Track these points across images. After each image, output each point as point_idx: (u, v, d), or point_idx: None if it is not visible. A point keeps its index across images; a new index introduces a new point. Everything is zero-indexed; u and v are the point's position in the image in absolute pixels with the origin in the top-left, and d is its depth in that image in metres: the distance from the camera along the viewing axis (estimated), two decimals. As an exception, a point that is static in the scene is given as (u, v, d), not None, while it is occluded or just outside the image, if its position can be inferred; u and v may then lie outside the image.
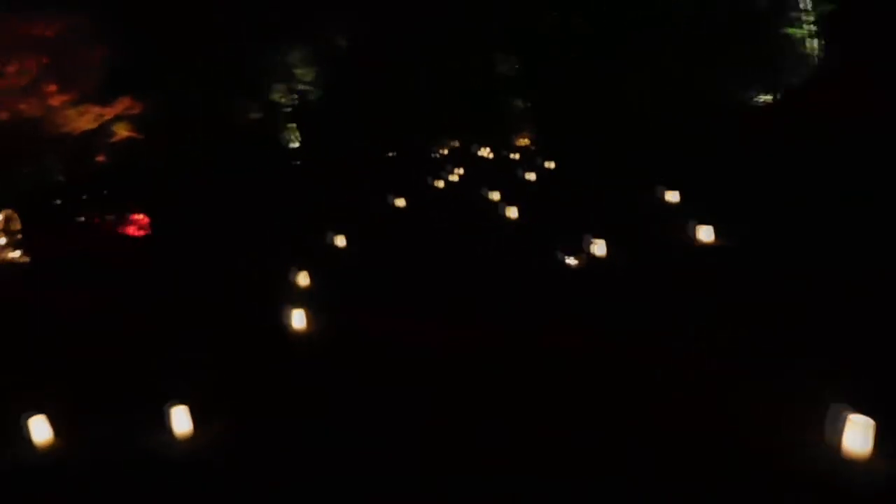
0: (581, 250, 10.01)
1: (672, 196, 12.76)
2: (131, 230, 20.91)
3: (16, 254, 17.88)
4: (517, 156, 24.17)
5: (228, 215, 18.31)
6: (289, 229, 15.09)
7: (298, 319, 8.63)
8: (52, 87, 19.84)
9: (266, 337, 8.51)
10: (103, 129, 20.88)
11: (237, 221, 17.42)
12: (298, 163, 25.50)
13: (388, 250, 12.40)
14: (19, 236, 18.31)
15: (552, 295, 8.89)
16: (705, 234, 10.12)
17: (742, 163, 13.80)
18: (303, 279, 10.46)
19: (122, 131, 21.52)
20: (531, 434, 5.67)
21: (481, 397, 6.42)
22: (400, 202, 17.05)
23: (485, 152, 26.21)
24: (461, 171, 21.65)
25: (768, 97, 20.74)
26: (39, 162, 19.82)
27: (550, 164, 19.99)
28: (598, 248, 10.02)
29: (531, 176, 18.37)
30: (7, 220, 18.49)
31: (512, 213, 13.76)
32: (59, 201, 20.32)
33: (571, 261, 9.72)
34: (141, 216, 20.99)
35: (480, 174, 20.10)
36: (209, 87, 21.84)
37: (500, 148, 25.95)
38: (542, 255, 10.21)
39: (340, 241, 13.33)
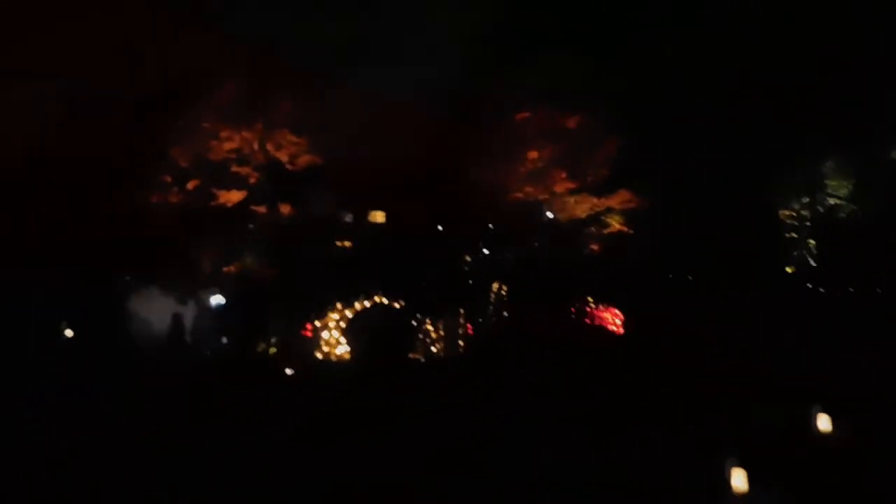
0: None
1: None
2: (607, 324, 20.08)
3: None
4: None
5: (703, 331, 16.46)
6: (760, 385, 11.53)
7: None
8: (561, 175, 20.44)
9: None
10: (595, 220, 20.58)
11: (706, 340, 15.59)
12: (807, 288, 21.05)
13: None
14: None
15: None
16: None
17: None
18: (739, 480, 7.11)
19: (614, 223, 20.90)
20: None
21: None
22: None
23: None
24: None
25: None
26: (530, 243, 20.49)
27: None
28: None
29: None
30: (498, 290, 19.77)
31: None
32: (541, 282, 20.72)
33: None
34: (616, 312, 19.99)
35: None
36: (704, 191, 19.59)
37: None
38: None
39: (825, 422, 9.26)
